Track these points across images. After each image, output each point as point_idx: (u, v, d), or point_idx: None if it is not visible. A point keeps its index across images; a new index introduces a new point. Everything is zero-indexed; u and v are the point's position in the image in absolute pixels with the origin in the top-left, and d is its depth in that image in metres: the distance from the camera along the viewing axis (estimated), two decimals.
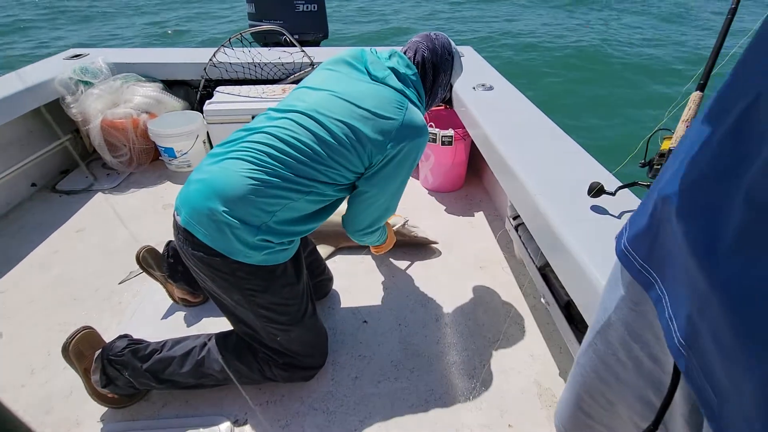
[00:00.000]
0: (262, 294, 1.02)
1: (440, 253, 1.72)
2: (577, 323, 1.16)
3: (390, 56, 1.12)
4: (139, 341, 1.11)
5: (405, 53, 1.14)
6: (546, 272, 1.33)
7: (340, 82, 1.05)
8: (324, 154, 0.98)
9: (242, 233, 0.94)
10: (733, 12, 0.90)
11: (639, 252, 0.44)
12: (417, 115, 1.05)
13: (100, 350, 1.07)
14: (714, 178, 0.35)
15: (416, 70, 1.11)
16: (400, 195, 1.16)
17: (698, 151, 0.37)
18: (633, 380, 0.47)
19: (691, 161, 0.38)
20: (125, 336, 1.12)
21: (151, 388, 1.10)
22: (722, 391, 0.34)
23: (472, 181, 2.18)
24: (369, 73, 1.07)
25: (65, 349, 1.05)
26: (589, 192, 1.10)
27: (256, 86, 2.27)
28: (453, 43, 1.19)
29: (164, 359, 1.06)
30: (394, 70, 1.08)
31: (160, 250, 1.42)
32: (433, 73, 1.14)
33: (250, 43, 2.42)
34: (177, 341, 1.11)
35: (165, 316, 1.43)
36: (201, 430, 1.08)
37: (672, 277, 0.39)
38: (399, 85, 1.06)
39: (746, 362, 0.31)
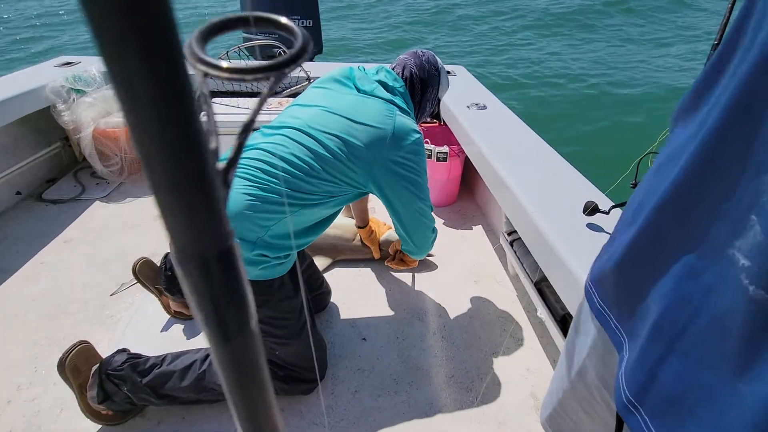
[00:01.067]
0: (259, 309, 1.02)
1: (436, 266, 1.74)
2: None
3: (377, 71, 1.17)
4: (138, 355, 1.09)
5: (393, 69, 1.20)
6: (541, 286, 1.37)
7: (330, 98, 1.09)
8: (319, 168, 1.01)
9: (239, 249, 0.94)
10: (715, 46, 0.97)
11: (611, 309, 0.45)
12: (407, 119, 1.09)
13: (97, 365, 1.04)
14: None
15: (404, 83, 1.17)
16: (428, 193, 1.20)
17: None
18: (607, 420, 0.48)
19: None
20: (124, 350, 1.10)
21: (150, 404, 1.08)
22: None
23: (464, 197, 2.23)
24: (357, 89, 1.11)
25: (61, 365, 1.02)
26: (585, 210, 1.15)
27: (252, 98, 2.28)
28: (439, 60, 1.25)
29: (164, 373, 1.05)
30: (381, 83, 1.13)
31: (154, 261, 1.40)
32: (421, 87, 1.20)
33: (247, 56, 2.44)
34: (177, 355, 1.10)
35: (159, 330, 1.40)
36: None
37: (635, 336, 0.40)
38: (387, 95, 1.11)
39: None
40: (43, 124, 2.14)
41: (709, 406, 0.31)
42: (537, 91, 5.28)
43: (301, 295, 1.13)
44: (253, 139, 1.06)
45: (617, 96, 5.07)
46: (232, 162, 0.10)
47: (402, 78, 1.18)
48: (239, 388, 0.11)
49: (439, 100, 1.30)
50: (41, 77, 2.12)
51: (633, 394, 0.38)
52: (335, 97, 1.09)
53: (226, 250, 0.09)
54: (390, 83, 1.13)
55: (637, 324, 0.40)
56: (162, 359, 1.08)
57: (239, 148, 0.11)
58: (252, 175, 0.98)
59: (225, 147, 1.09)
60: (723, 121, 0.32)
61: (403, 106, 1.13)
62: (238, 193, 0.96)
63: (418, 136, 1.09)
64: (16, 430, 1.09)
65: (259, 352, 0.11)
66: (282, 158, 1.00)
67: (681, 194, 0.35)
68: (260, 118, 2.09)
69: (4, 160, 2.00)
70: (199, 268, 0.09)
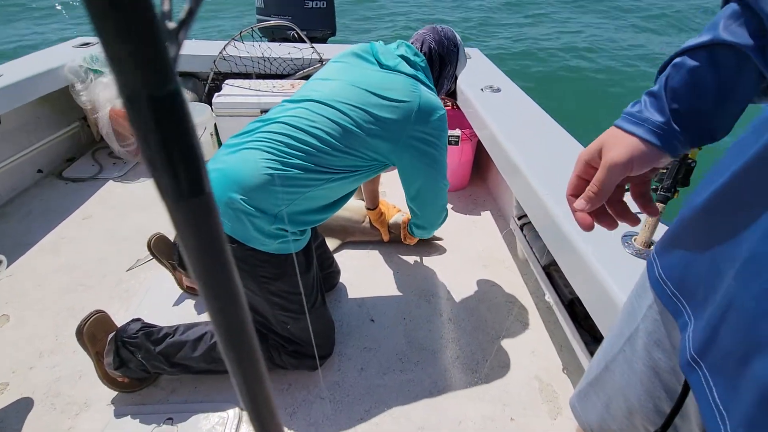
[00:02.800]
0: (274, 282, 1.04)
1: (444, 250, 1.74)
2: (580, 321, 1.19)
3: (398, 46, 1.15)
4: (152, 325, 1.13)
5: (412, 44, 1.18)
6: (550, 271, 1.36)
7: (352, 72, 1.08)
8: (344, 140, 1.00)
9: (259, 222, 0.96)
10: None
11: (671, 279, 0.45)
12: (431, 95, 1.08)
13: (113, 333, 1.08)
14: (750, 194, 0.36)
15: (424, 58, 1.15)
16: (446, 171, 1.20)
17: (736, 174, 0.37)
18: (654, 389, 0.49)
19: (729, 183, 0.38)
20: (138, 320, 1.14)
21: (163, 372, 1.12)
22: (727, 404, 0.36)
23: (475, 182, 2.21)
24: (380, 63, 1.10)
25: (79, 332, 1.06)
26: None
27: (266, 80, 2.29)
28: (458, 36, 1.23)
29: (177, 343, 1.08)
30: (404, 57, 1.12)
31: (169, 237, 1.43)
32: (439, 63, 1.18)
33: (260, 37, 2.44)
34: (189, 326, 1.13)
35: (172, 304, 1.44)
36: (209, 414, 1.10)
37: (702, 300, 0.40)
38: (411, 70, 1.10)
39: (752, 372, 0.33)
40: (62, 104, 2.19)
41: (762, 354, 0.32)
42: (554, 71, 5.15)
43: (314, 271, 1.14)
44: (274, 112, 1.06)
45: (637, 77, 4.91)
46: (184, 22, 0.10)
47: (421, 53, 1.16)
48: (199, 254, 0.12)
49: (455, 78, 1.27)
50: (60, 57, 2.16)
51: (696, 352, 0.39)
52: (357, 71, 1.08)
53: (172, 93, 0.09)
54: (411, 58, 1.12)
55: (698, 289, 0.41)
56: (174, 329, 1.12)
57: (191, 12, 0.11)
58: (274, 148, 0.98)
59: (239, 128, 1.09)
60: None
61: (426, 81, 1.12)
62: (260, 166, 0.96)
63: (442, 112, 1.09)
64: (38, 394, 1.15)
65: (218, 221, 0.12)
66: (307, 132, 0.99)
67: (763, 157, 0.35)
68: (272, 99, 2.09)
69: (26, 138, 2.06)
70: (144, 109, 0.09)
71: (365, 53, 1.12)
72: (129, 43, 0.08)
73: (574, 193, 0.52)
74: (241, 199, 0.94)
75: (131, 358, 1.07)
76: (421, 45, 1.17)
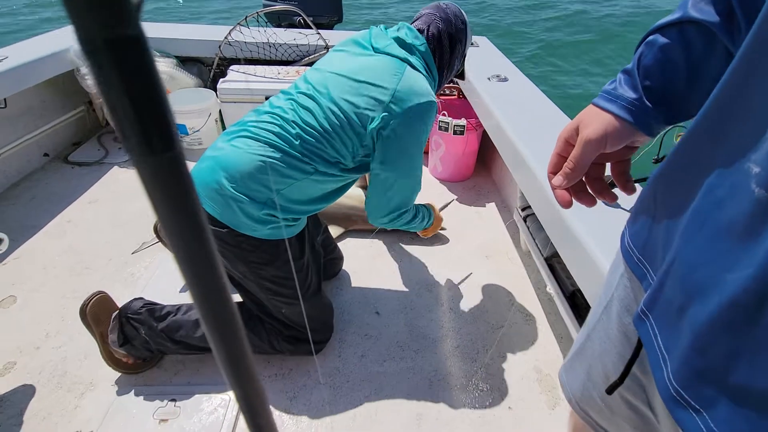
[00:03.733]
0: (266, 267, 1.05)
1: (447, 240, 1.74)
2: (581, 312, 1.19)
3: (398, 29, 1.09)
4: (155, 303, 1.15)
5: (417, 28, 1.09)
6: (552, 263, 1.35)
7: (343, 61, 1.06)
8: (325, 133, 0.99)
9: (248, 208, 0.97)
10: None
11: (636, 245, 0.47)
12: (416, 80, 1.00)
13: (117, 311, 1.10)
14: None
15: (425, 41, 1.07)
16: (419, 172, 1.10)
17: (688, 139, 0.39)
18: (624, 352, 0.51)
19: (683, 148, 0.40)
20: (140, 298, 1.16)
21: (165, 349, 1.14)
22: (668, 348, 0.38)
23: (480, 172, 2.19)
24: (372, 47, 1.06)
25: (83, 312, 1.08)
26: None
27: (271, 67, 2.27)
28: (463, 12, 1.15)
29: (179, 321, 1.10)
30: (398, 39, 1.06)
31: None
32: (450, 44, 1.11)
33: (266, 23, 2.41)
34: (191, 306, 1.15)
35: (176, 289, 1.45)
36: (212, 396, 1.12)
37: (660, 261, 0.42)
38: (402, 53, 1.03)
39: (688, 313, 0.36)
40: (68, 87, 2.19)
41: (699, 300, 0.34)
42: (560, 61, 5.07)
43: (307, 257, 1.15)
44: (269, 103, 1.07)
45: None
46: None
47: (427, 36, 1.08)
48: (169, 214, 0.12)
49: (464, 57, 1.20)
50: (65, 40, 2.15)
51: (646, 305, 0.41)
52: (348, 59, 1.06)
53: (133, 37, 0.09)
54: (409, 41, 1.05)
55: (657, 251, 0.43)
56: (177, 308, 1.14)
57: None
58: (265, 138, 0.99)
59: (243, 114, 1.09)
60: (759, 35, 0.32)
61: (420, 66, 1.05)
62: (250, 154, 0.97)
63: (426, 99, 0.99)
64: (45, 374, 1.17)
65: (190, 180, 0.11)
66: (292, 123, 1.00)
67: (716, 113, 0.36)
68: (277, 86, 2.08)
69: (32, 121, 2.07)
70: (104, 55, 0.09)
71: (363, 39, 1.09)
72: None
73: (554, 171, 0.53)
74: (230, 185, 0.96)
75: (135, 335, 1.09)
76: (428, 26, 1.09)
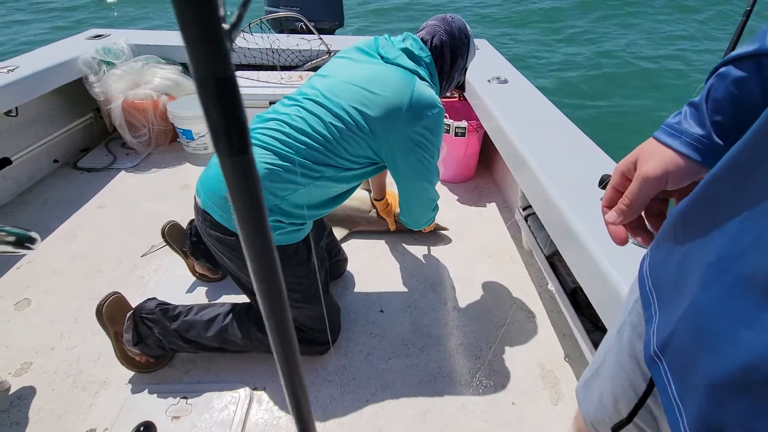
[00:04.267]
0: None
1: (450, 240, 1.77)
2: (582, 309, 1.22)
3: (404, 39, 1.12)
4: (168, 303, 1.18)
5: (421, 38, 1.13)
6: (553, 261, 1.38)
7: (350, 68, 1.08)
8: (332, 139, 1.01)
9: None
10: (752, 3, 0.93)
11: (652, 274, 0.45)
12: (426, 90, 1.04)
13: (132, 311, 1.14)
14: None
15: (429, 53, 1.11)
16: (436, 169, 1.16)
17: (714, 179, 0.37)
18: (635, 379, 0.49)
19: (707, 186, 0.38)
20: (153, 298, 1.19)
21: (178, 348, 1.17)
22: (682, 398, 0.37)
23: (482, 173, 2.22)
24: (381, 57, 1.08)
25: (99, 312, 1.11)
26: (600, 184, 1.14)
27: (275, 72, 2.31)
28: (468, 26, 1.19)
29: (190, 322, 1.14)
30: (406, 51, 1.09)
31: (182, 225, 1.48)
32: (451, 57, 1.14)
33: (269, 29, 2.46)
34: (202, 307, 1.18)
35: (185, 291, 1.49)
36: (222, 393, 1.15)
37: (667, 297, 0.41)
38: (411, 64, 1.06)
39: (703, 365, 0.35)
40: (76, 95, 2.24)
41: (713, 353, 0.33)
42: (561, 64, 5.10)
43: (314, 261, 1.18)
44: (273, 109, 1.09)
45: (641, 68, 4.86)
46: (237, 22, 0.13)
47: (431, 47, 1.12)
48: (242, 198, 0.15)
49: (466, 69, 1.25)
50: (73, 50, 2.21)
51: (658, 347, 0.40)
52: (355, 66, 1.08)
53: (228, 77, 0.13)
54: (416, 52, 1.08)
55: (667, 288, 0.41)
56: (189, 309, 1.17)
57: (239, 16, 0.14)
58: (270, 144, 1.01)
59: (247, 120, 1.14)
60: None
61: (427, 77, 1.09)
62: (258, 161, 0.99)
63: (437, 110, 1.04)
64: (60, 373, 1.21)
65: (255, 174, 0.15)
66: (300, 130, 1.01)
67: (746, 157, 0.35)
68: (281, 91, 2.12)
69: (42, 128, 2.12)
70: (210, 87, 0.13)
71: (368, 48, 1.11)
72: (202, 41, 0.12)
73: (609, 205, 0.50)
74: None
75: (149, 334, 1.12)
76: (432, 38, 1.13)
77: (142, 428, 0.63)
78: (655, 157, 0.44)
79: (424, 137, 1.06)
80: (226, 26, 0.12)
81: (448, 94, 2.28)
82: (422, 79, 1.07)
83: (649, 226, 0.49)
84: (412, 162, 1.08)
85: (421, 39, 1.13)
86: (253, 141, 1.02)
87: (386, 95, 1.01)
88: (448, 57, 1.14)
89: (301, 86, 1.12)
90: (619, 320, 0.54)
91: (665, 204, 0.49)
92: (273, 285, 0.18)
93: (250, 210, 0.15)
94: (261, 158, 1.00)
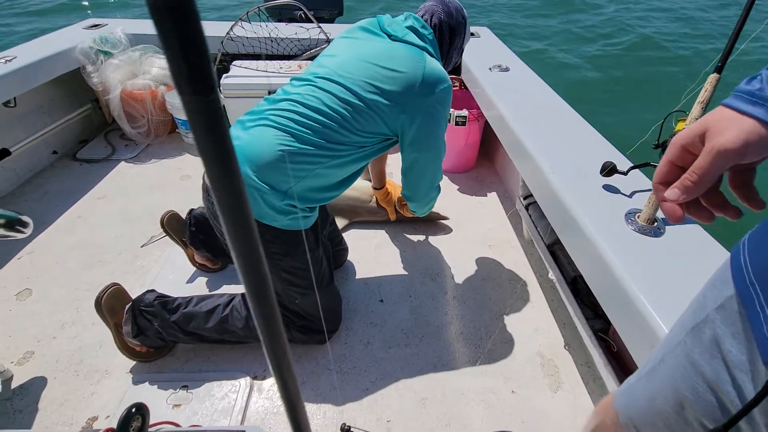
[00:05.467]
0: (285, 258, 1.08)
1: (451, 230, 1.76)
2: (582, 297, 1.21)
3: (406, 18, 1.14)
4: (167, 296, 1.18)
5: (422, 17, 1.16)
6: (554, 249, 1.37)
7: (358, 47, 1.08)
8: (350, 116, 1.01)
9: (270, 198, 0.98)
10: (719, 68, 0.91)
11: (755, 264, 0.42)
12: (437, 65, 1.07)
13: (130, 303, 1.14)
14: None
15: (432, 31, 1.14)
16: (443, 144, 1.18)
17: None
18: (718, 382, 0.45)
19: None
20: (152, 290, 1.19)
21: (178, 340, 1.18)
22: None
23: (483, 163, 2.20)
24: (388, 35, 1.09)
25: (98, 303, 1.11)
26: (602, 171, 1.13)
27: (274, 61, 2.29)
28: (464, 8, 1.21)
29: (190, 313, 1.13)
30: (412, 28, 1.11)
31: (181, 215, 1.47)
32: (450, 36, 1.17)
33: (267, 18, 2.42)
34: (202, 298, 1.18)
35: (185, 281, 1.49)
36: (222, 382, 1.15)
37: None
38: (419, 41, 1.09)
39: None
40: (74, 85, 2.22)
41: None
42: (562, 52, 5.04)
43: (322, 248, 1.17)
44: (283, 91, 1.07)
45: (643, 55, 4.80)
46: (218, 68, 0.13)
47: (431, 25, 1.14)
48: (207, 142, 0.14)
49: (462, 51, 1.26)
50: (71, 39, 2.18)
51: None
52: (363, 45, 1.08)
53: (185, 3, 0.12)
54: (420, 30, 1.11)
55: None
56: (188, 300, 1.17)
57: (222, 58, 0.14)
58: (285, 126, 1.00)
59: (246, 108, 1.11)
60: None
61: (434, 53, 1.12)
62: (272, 143, 0.98)
63: (447, 84, 1.08)
64: (62, 362, 1.21)
65: (222, 116, 0.14)
66: (314, 108, 1.00)
67: None
68: (280, 80, 2.09)
69: (41, 119, 2.11)
70: (165, 16, 0.12)
71: (372, 26, 1.12)
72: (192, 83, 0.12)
73: (663, 181, 0.46)
74: (254, 175, 0.97)
75: (148, 326, 1.12)
76: (431, 17, 1.15)
77: (134, 409, 0.63)
78: (732, 127, 0.40)
79: (436, 110, 1.08)
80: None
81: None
82: (430, 55, 1.09)
83: (705, 204, 0.46)
84: (424, 134, 1.10)
85: (421, 17, 1.15)
86: (268, 123, 1.01)
87: (400, 70, 1.02)
88: (447, 35, 1.17)
89: (309, 67, 1.11)
90: (691, 319, 0.50)
91: (720, 179, 0.45)
92: (250, 246, 0.17)
93: (220, 157, 0.15)
94: (276, 139, 0.99)
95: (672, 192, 0.44)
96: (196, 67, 0.13)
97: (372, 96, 1.01)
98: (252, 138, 1.00)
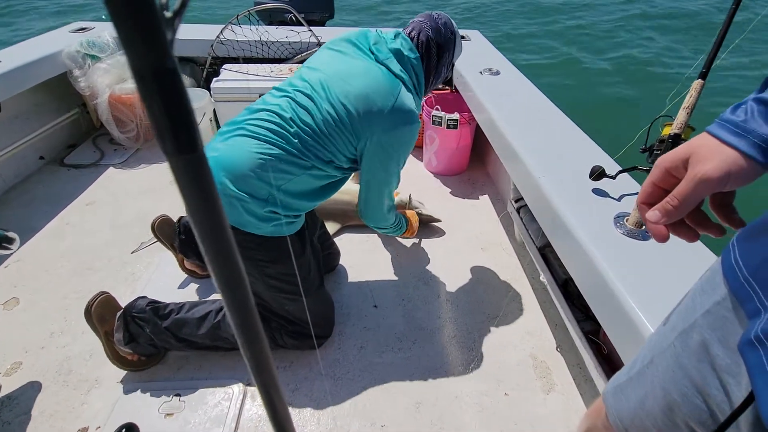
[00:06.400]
0: (271, 264, 1.08)
1: (443, 233, 1.77)
2: (573, 300, 1.22)
3: (395, 37, 1.13)
4: (159, 302, 1.17)
5: (409, 34, 1.15)
6: (545, 252, 1.38)
7: (339, 63, 1.08)
8: (321, 134, 1.03)
9: (251, 206, 0.99)
10: (737, 2, 0.93)
11: (748, 263, 0.42)
12: (408, 100, 1.07)
13: (122, 310, 1.13)
14: None
15: (418, 54, 1.13)
16: (396, 178, 1.18)
17: None
18: (705, 386, 0.46)
19: None
20: (143, 297, 1.18)
21: (170, 347, 1.17)
22: None
23: (475, 166, 2.22)
24: (373, 53, 1.09)
25: (88, 312, 1.10)
26: (591, 175, 1.14)
27: (264, 65, 2.28)
28: (454, 23, 1.21)
29: (182, 320, 1.13)
30: (397, 52, 1.10)
31: (173, 219, 1.46)
32: (437, 52, 1.16)
33: (257, 21, 2.42)
34: (194, 304, 1.17)
35: (176, 287, 1.48)
36: (215, 390, 1.15)
37: None
38: (398, 68, 1.08)
39: None
40: (61, 90, 2.19)
41: None
42: (553, 56, 5.10)
43: (309, 253, 1.17)
44: (262, 101, 1.09)
45: (630, 60, 4.88)
46: (180, 10, 0.12)
47: (417, 43, 1.14)
48: (193, 199, 0.14)
49: (453, 65, 1.26)
50: (57, 43, 2.15)
51: (763, 331, 0.37)
52: (345, 61, 1.08)
53: (169, 70, 0.12)
54: (405, 52, 1.10)
55: None
56: (180, 306, 1.16)
57: (183, 3, 0.13)
58: (262, 135, 1.01)
59: (237, 113, 1.11)
60: None
61: (410, 84, 1.11)
62: (249, 152, 0.99)
63: (412, 125, 1.06)
64: (51, 372, 1.20)
65: (208, 172, 0.14)
66: (289, 120, 1.02)
67: None
68: (270, 84, 2.09)
69: (27, 124, 2.07)
70: (149, 82, 0.12)
71: (359, 42, 1.12)
72: (137, 30, 0.11)
73: (647, 202, 0.47)
74: (232, 185, 0.98)
75: (140, 332, 1.11)
76: (418, 34, 1.14)
77: (124, 430, 0.63)
78: (714, 156, 0.41)
79: (392, 147, 1.08)
80: (168, 14, 0.12)
81: (440, 86, 2.26)
82: (407, 86, 1.09)
83: (688, 222, 0.47)
84: (376, 165, 1.11)
85: (408, 35, 1.15)
86: (245, 132, 1.02)
87: (372, 96, 1.02)
88: (434, 52, 1.16)
89: (291, 77, 1.12)
90: (681, 322, 0.51)
91: (703, 201, 0.46)
92: (237, 287, 0.18)
93: (205, 212, 0.15)
94: (253, 148, 1.00)
95: (653, 214, 0.45)
96: (182, 128, 0.13)
97: (343, 116, 1.02)
98: (229, 148, 1.01)
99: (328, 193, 1.16)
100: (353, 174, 1.22)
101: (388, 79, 1.05)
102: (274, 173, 1.00)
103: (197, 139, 0.13)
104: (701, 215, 0.46)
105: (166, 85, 0.12)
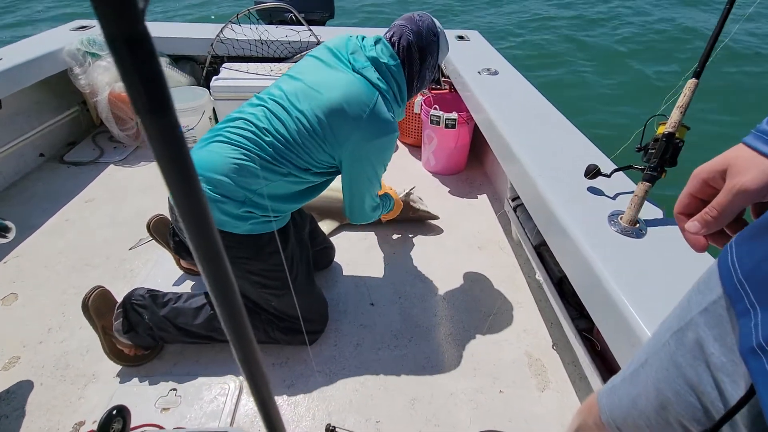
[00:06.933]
0: (251, 261, 1.09)
1: (441, 231, 1.78)
2: (568, 298, 1.23)
3: (375, 43, 1.12)
4: (158, 291, 1.19)
5: (390, 39, 1.13)
6: (541, 251, 1.39)
7: (317, 73, 1.09)
8: (295, 143, 1.04)
9: (227, 207, 1.02)
10: (731, 1, 0.94)
11: (743, 265, 0.43)
12: (383, 110, 1.06)
13: (121, 302, 1.15)
14: None
15: (398, 61, 1.11)
16: (376, 183, 1.19)
17: None
18: (700, 384, 0.46)
19: None
20: (142, 287, 1.19)
21: (167, 336, 1.17)
22: None
23: (473, 165, 2.23)
24: (350, 63, 1.09)
25: (85, 305, 1.11)
26: (586, 174, 1.15)
27: (264, 64, 2.29)
28: (437, 22, 1.17)
29: (179, 309, 1.15)
30: (375, 60, 1.09)
31: (169, 219, 1.47)
32: (420, 56, 1.14)
33: (257, 20, 2.43)
34: (191, 295, 1.20)
35: (173, 284, 1.48)
36: (212, 385, 1.15)
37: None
38: (375, 77, 1.07)
39: None
40: (62, 87, 2.20)
41: None
42: (550, 53, 5.12)
43: (292, 248, 1.18)
44: (242, 108, 1.11)
45: (626, 59, 4.89)
46: None
47: (398, 48, 1.11)
48: (167, 163, 0.15)
49: (439, 66, 1.24)
50: (58, 41, 2.16)
51: (765, 338, 0.37)
52: (322, 71, 1.08)
53: (140, 33, 0.13)
54: (384, 60, 1.09)
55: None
56: (178, 297, 1.18)
57: None
58: (238, 142, 1.04)
59: (231, 109, 1.12)
60: None
61: (388, 94, 1.10)
62: (224, 157, 1.02)
63: (390, 135, 1.07)
64: (48, 367, 1.20)
65: (182, 136, 0.15)
66: (263, 129, 1.05)
67: None
68: (270, 83, 2.10)
69: (27, 122, 2.08)
70: (121, 47, 0.13)
71: (338, 50, 1.11)
72: None
73: (684, 212, 0.48)
74: (207, 187, 1.01)
75: (139, 321, 1.13)
76: (399, 39, 1.11)
77: (114, 411, 0.63)
78: (751, 168, 0.42)
79: (369, 156, 1.09)
80: None
81: (436, 86, 2.27)
82: (384, 96, 1.08)
83: (728, 231, 0.47)
84: (355, 174, 1.12)
85: (389, 40, 1.13)
86: (222, 138, 1.05)
87: (347, 108, 1.03)
88: (416, 56, 1.14)
89: (270, 86, 1.14)
90: (676, 321, 0.51)
91: (743, 211, 0.47)
92: (215, 258, 0.18)
93: (177, 173, 0.15)
94: (230, 154, 1.03)
95: (692, 225, 0.45)
96: (154, 91, 0.14)
97: (316, 127, 1.03)
98: (207, 153, 1.04)
99: (309, 196, 1.17)
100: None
101: (364, 90, 1.05)
102: (249, 178, 1.02)
103: (168, 100, 0.14)
104: (742, 224, 0.46)
105: (138, 49, 0.13)
